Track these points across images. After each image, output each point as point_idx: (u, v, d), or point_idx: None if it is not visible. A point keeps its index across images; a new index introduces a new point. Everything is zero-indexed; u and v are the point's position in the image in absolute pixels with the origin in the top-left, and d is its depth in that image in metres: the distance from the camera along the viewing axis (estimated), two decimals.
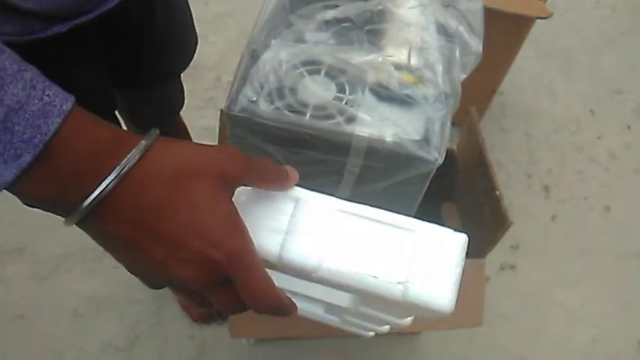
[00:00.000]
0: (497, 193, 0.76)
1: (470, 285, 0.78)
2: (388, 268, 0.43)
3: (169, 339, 1.16)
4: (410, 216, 0.62)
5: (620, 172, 1.48)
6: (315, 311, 0.68)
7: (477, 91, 1.38)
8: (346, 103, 0.54)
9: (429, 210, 0.98)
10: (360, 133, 0.53)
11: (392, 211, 0.46)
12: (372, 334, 0.69)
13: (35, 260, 1.24)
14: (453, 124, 1.08)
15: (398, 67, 0.56)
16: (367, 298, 0.47)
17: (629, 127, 1.57)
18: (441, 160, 0.54)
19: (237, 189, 0.40)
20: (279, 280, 0.55)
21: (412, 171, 0.54)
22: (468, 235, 0.44)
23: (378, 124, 0.53)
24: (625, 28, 1.78)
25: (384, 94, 0.55)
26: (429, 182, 0.61)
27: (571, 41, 1.73)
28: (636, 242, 1.37)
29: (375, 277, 0.43)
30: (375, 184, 0.58)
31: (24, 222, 1.28)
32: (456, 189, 0.98)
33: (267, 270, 0.47)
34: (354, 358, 1.17)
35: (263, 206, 0.45)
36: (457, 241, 0.44)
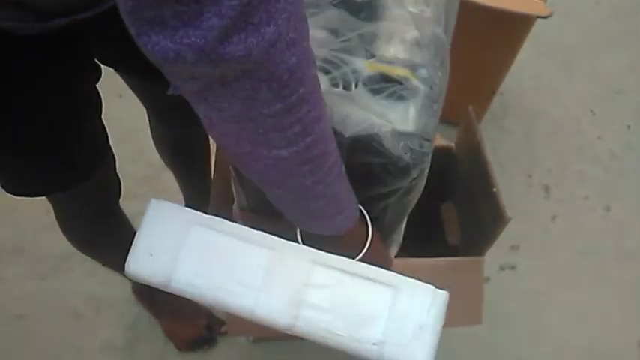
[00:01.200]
0: (495, 190, 0.75)
1: (469, 283, 0.78)
2: (363, 327, 0.41)
3: (169, 339, 1.16)
4: (402, 224, 0.61)
5: (621, 172, 1.48)
6: None
7: (477, 92, 1.38)
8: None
9: (429, 211, 0.98)
10: (353, 126, 0.53)
11: (386, 246, 0.45)
12: None
13: (35, 260, 1.24)
14: (452, 123, 1.08)
15: (393, 62, 0.56)
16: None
17: (629, 127, 1.57)
18: (430, 151, 0.54)
19: (202, 234, 0.45)
20: None
21: (413, 166, 0.54)
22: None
23: (370, 118, 0.53)
24: (625, 28, 1.78)
25: (377, 88, 0.55)
26: (422, 187, 0.60)
27: (571, 41, 1.72)
28: (636, 242, 1.36)
29: (349, 337, 0.41)
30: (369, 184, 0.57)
31: (24, 222, 1.27)
32: (454, 189, 0.98)
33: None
34: (353, 358, 1.17)
35: (236, 256, 0.44)
36: (437, 298, 0.42)
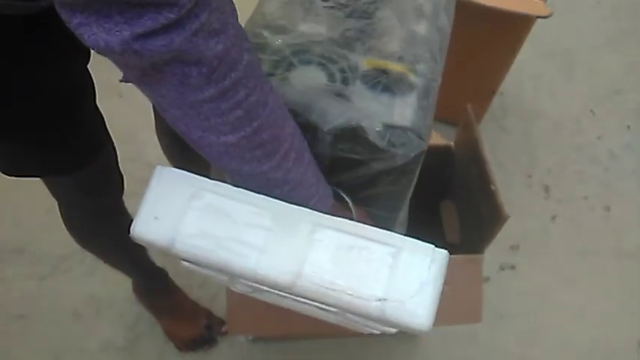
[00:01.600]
0: (493, 187, 0.75)
1: (468, 282, 0.78)
2: (365, 284, 0.42)
3: (169, 339, 1.16)
4: (400, 211, 0.62)
5: (621, 172, 1.48)
6: (312, 312, 0.67)
7: (477, 92, 1.38)
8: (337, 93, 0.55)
9: (428, 208, 0.99)
10: (334, 119, 0.54)
11: (374, 224, 0.46)
12: (369, 331, 0.69)
13: (35, 260, 1.24)
14: (452, 123, 1.08)
15: (390, 57, 0.57)
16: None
17: (629, 127, 1.57)
18: (425, 146, 0.55)
19: (207, 198, 0.45)
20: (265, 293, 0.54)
21: (399, 157, 0.55)
22: (449, 250, 0.43)
23: (354, 111, 0.54)
24: (625, 28, 1.78)
25: (374, 83, 0.55)
26: (416, 176, 0.61)
27: (571, 41, 1.72)
28: (636, 242, 1.36)
29: (351, 294, 0.42)
30: (361, 171, 0.58)
31: (24, 222, 1.28)
32: (454, 187, 0.98)
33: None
34: (353, 358, 1.17)
35: (239, 217, 0.44)
36: (437, 256, 0.43)
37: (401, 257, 0.42)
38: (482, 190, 0.79)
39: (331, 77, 0.55)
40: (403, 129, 0.53)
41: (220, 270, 0.45)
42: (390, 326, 0.44)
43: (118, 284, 1.16)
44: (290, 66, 0.57)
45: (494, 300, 1.20)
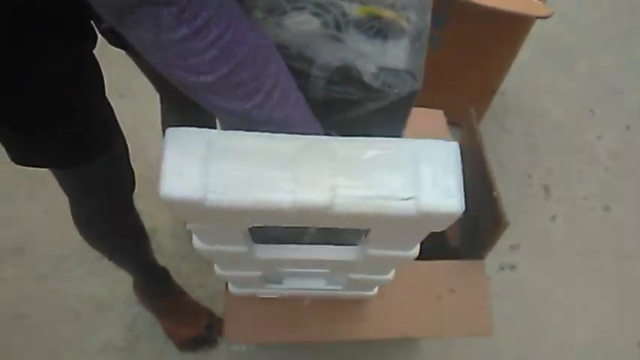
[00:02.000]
0: (495, 193, 0.75)
1: (474, 292, 0.78)
2: (395, 187, 0.45)
3: (169, 340, 1.16)
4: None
5: (621, 172, 1.48)
6: (317, 286, 0.67)
7: (478, 91, 1.38)
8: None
9: None
10: (327, 56, 0.55)
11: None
12: (374, 292, 0.69)
13: (35, 260, 1.24)
14: (453, 124, 1.08)
15: (380, 4, 0.58)
16: (380, 227, 0.49)
17: (629, 127, 1.57)
18: (418, 86, 0.56)
19: (225, 146, 0.46)
20: (284, 251, 0.55)
21: (394, 95, 0.56)
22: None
23: (348, 51, 0.55)
24: (625, 28, 1.78)
25: (367, 28, 0.56)
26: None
27: (571, 41, 1.73)
28: (636, 242, 1.36)
29: (386, 198, 0.44)
30: (353, 112, 0.59)
31: (24, 222, 1.27)
32: None
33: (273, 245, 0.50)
34: None
35: (263, 157, 0.46)
36: (450, 148, 0.47)
37: (419, 156, 0.46)
38: (483, 195, 0.79)
39: (325, 24, 0.56)
40: (397, 70, 0.55)
41: (256, 213, 0.46)
42: (427, 220, 0.46)
43: (117, 284, 1.16)
44: (284, 13, 0.58)
45: (494, 300, 1.20)
